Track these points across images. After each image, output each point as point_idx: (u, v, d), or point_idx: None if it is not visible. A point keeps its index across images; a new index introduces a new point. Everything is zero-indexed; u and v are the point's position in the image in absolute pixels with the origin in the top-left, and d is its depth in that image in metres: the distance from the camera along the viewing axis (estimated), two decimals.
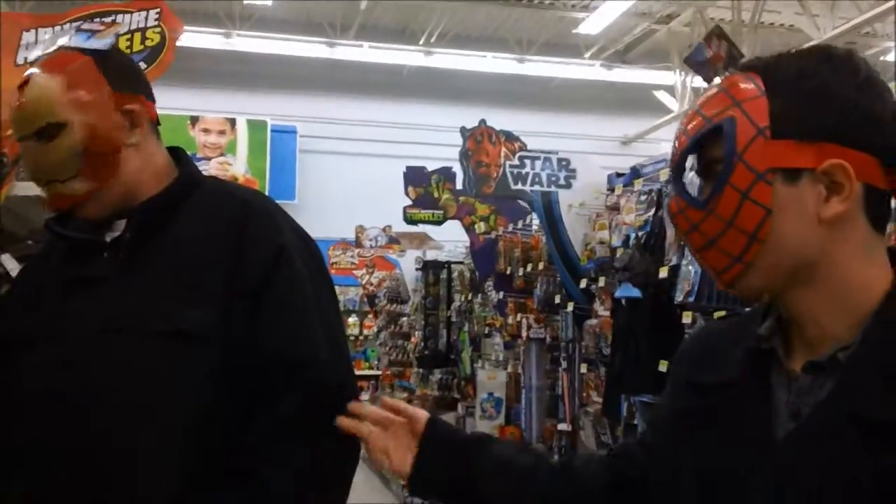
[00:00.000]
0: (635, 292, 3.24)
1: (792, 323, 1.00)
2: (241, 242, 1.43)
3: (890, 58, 12.20)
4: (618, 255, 3.60)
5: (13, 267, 3.03)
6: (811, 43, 7.79)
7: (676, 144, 1.02)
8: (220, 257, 1.42)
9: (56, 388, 1.39)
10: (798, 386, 0.97)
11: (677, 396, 1.13)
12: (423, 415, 1.23)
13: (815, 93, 0.94)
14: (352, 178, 12.74)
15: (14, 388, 1.43)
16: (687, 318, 3.02)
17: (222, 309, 1.39)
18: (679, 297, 3.02)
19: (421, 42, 12.24)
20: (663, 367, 3.10)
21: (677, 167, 1.01)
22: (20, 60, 2.79)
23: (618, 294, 3.35)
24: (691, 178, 1.04)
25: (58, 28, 2.76)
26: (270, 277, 1.42)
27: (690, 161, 1.02)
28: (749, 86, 0.97)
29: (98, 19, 2.74)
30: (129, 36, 2.72)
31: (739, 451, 0.98)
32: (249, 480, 1.36)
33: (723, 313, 2.81)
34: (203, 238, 1.45)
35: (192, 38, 10.30)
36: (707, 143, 0.98)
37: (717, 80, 1.08)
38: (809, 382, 0.96)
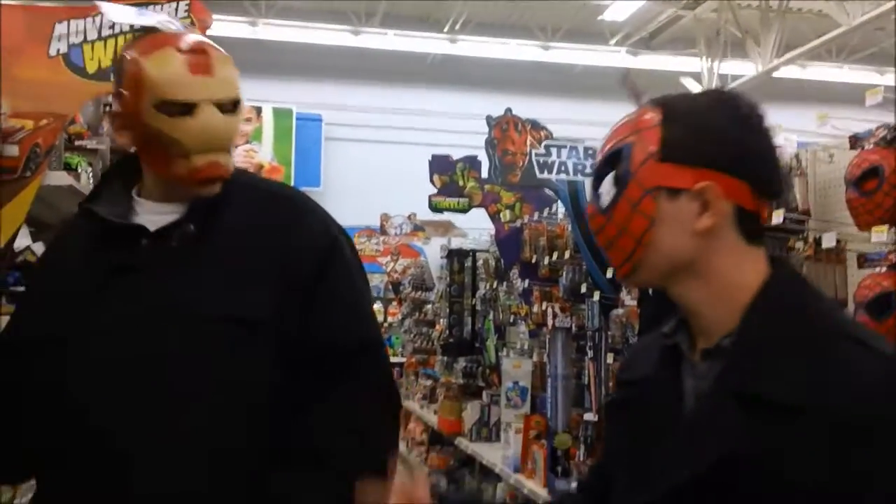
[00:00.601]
0: None
1: (689, 318, 1.20)
2: (292, 237, 1.51)
3: None
4: None
5: None
6: (840, 30, 7.67)
7: (597, 161, 1.25)
8: (271, 250, 1.49)
9: (122, 377, 1.43)
10: (697, 372, 1.17)
11: (615, 397, 1.36)
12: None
13: (698, 127, 1.15)
14: (377, 165, 12.76)
15: (75, 379, 1.46)
16: None
17: (276, 298, 1.45)
18: None
19: (445, 30, 12.21)
20: None
21: (594, 179, 1.23)
22: (53, 52, 2.81)
23: None
24: (605, 187, 1.22)
25: (90, 20, 2.78)
26: (325, 270, 1.51)
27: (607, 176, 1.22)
28: (650, 117, 1.18)
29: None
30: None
31: (653, 432, 1.16)
32: (328, 458, 1.44)
33: None
34: (251, 230, 1.51)
35: (219, 26, 10.30)
36: (612, 161, 1.19)
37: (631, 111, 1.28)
38: (706, 368, 1.16)
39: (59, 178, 2.96)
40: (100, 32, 2.77)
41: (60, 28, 2.78)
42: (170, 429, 1.42)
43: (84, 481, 1.43)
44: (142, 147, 1.54)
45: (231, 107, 1.48)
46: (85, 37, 2.77)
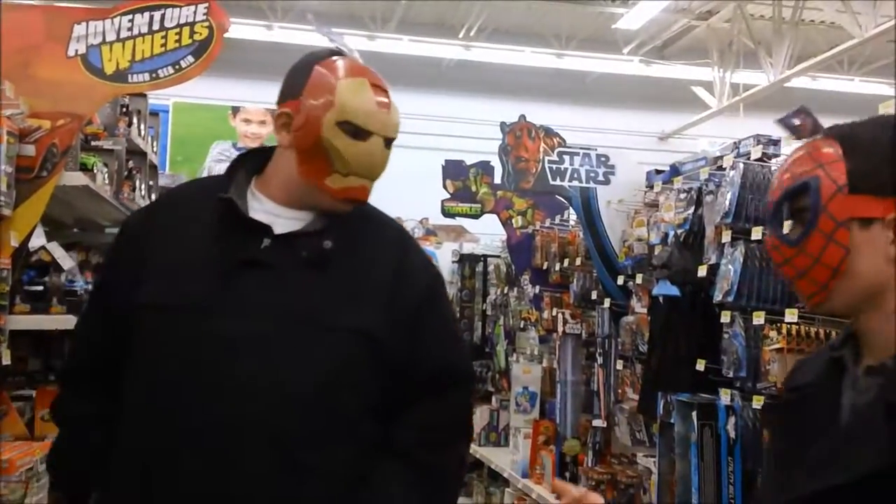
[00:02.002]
0: (674, 290, 3.23)
1: (861, 336, 1.25)
2: (404, 267, 1.68)
3: None
4: (656, 252, 3.60)
5: (60, 255, 3.11)
6: (852, 41, 7.67)
7: (772, 194, 1.31)
8: (386, 275, 1.65)
9: (244, 365, 1.52)
10: (858, 386, 1.22)
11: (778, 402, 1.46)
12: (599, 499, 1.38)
13: (882, 156, 1.18)
14: (390, 169, 12.39)
15: (186, 358, 1.53)
16: (725, 317, 3.01)
17: (389, 318, 1.61)
18: (718, 296, 3.01)
19: (460, 36, 12.24)
20: (700, 365, 3.10)
21: (774, 211, 1.29)
22: (71, 52, 2.85)
23: (656, 291, 3.35)
24: (790, 219, 1.28)
25: (108, 21, 2.81)
26: (430, 304, 1.70)
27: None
28: (830, 150, 1.22)
29: (148, 13, 2.79)
30: (177, 30, 2.76)
31: (808, 433, 1.22)
32: (430, 469, 1.64)
33: (762, 314, 2.81)
34: (369, 255, 1.67)
35: (235, 29, 10.35)
36: (797, 194, 1.24)
37: (801, 143, 1.34)
38: (868, 384, 1.19)
39: (75, 178, 2.98)
40: (118, 34, 2.80)
41: (79, 29, 2.81)
42: (283, 424, 1.51)
43: (193, 462, 1.50)
44: (306, 152, 1.62)
45: (390, 143, 1.68)
46: (104, 38, 2.80)
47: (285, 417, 1.51)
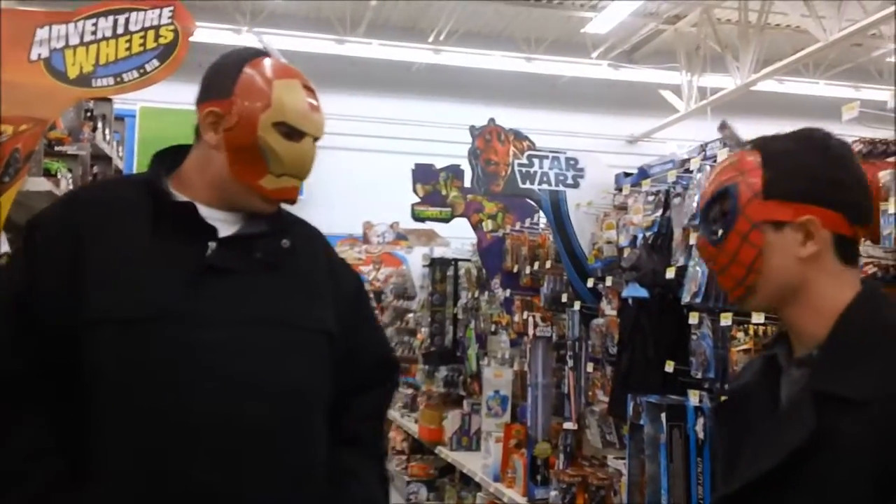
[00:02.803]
0: (642, 292, 3.24)
1: (790, 333, 1.37)
2: (333, 264, 1.76)
3: (893, 59, 12.19)
4: (625, 254, 3.61)
5: None
6: (817, 45, 7.78)
7: (701, 198, 1.44)
8: (323, 272, 1.71)
9: (224, 370, 1.51)
10: (792, 379, 1.35)
11: (722, 404, 1.57)
12: None
13: (795, 167, 1.32)
14: (360, 173, 12.75)
15: (167, 367, 1.49)
16: (694, 318, 3.03)
17: (334, 314, 1.67)
18: (686, 298, 3.03)
19: (430, 39, 12.25)
20: (669, 367, 3.11)
21: (703, 214, 1.41)
22: (34, 56, 2.80)
23: (625, 293, 3.36)
24: (714, 221, 1.40)
25: (72, 25, 2.77)
26: (361, 295, 1.82)
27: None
28: (751, 159, 1.36)
29: (112, 16, 2.75)
30: (142, 34, 2.73)
31: (749, 432, 1.34)
32: (367, 450, 1.74)
33: (729, 315, 2.83)
34: (308, 253, 1.71)
35: (203, 33, 10.29)
36: (720, 199, 1.37)
37: (729, 153, 1.46)
38: (799, 375, 1.33)
39: (38, 183, 2.95)
40: (82, 38, 2.76)
41: (42, 33, 2.76)
42: (273, 426, 1.54)
43: (193, 467, 1.48)
44: (238, 152, 1.60)
45: (315, 142, 1.69)
46: (67, 42, 2.76)
47: (275, 419, 1.54)
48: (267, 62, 1.66)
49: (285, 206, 1.73)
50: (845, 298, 1.31)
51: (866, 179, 1.36)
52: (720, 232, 1.36)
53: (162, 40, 2.73)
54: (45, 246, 1.55)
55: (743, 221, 1.32)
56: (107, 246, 1.54)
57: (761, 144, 1.37)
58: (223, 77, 1.64)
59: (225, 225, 1.61)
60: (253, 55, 1.66)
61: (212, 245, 1.56)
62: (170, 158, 1.69)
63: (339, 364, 1.67)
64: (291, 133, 1.61)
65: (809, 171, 1.31)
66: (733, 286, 1.37)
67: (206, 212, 1.60)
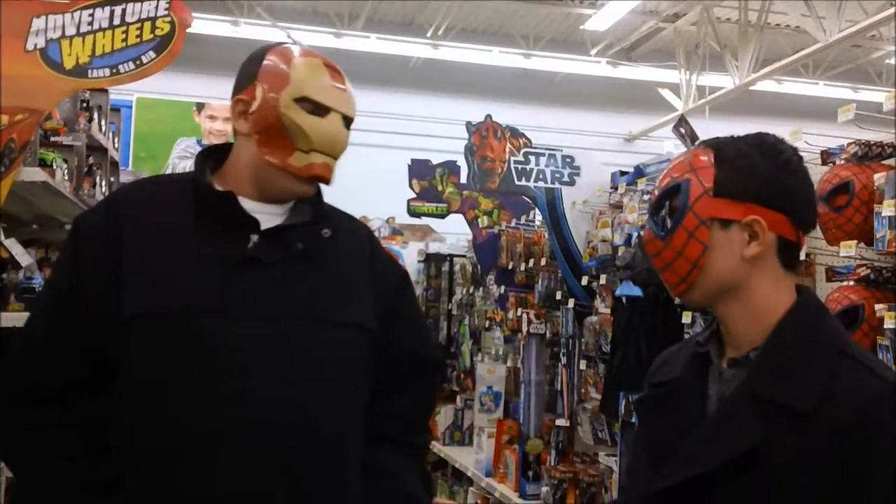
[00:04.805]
0: (636, 290, 3.25)
1: (724, 331, 1.38)
2: (376, 259, 1.75)
3: (894, 61, 12.19)
4: (620, 253, 3.62)
5: (18, 252, 3.06)
6: (817, 46, 7.80)
7: (653, 194, 1.42)
8: (365, 266, 1.71)
9: (260, 365, 1.51)
10: (724, 378, 1.35)
11: (644, 396, 1.51)
12: None
13: (745, 168, 1.32)
14: (356, 168, 12.65)
15: (201, 361, 1.49)
16: (686, 317, 3.04)
17: (374, 309, 1.67)
18: None
19: (428, 35, 12.23)
20: None
21: (652, 209, 1.41)
22: (30, 46, 2.79)
23: (619, 292, 3.37)
24: (663, 216, 1.40)
25: (68, 15, 2.76)
26: (401, 292, 1.78)
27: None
28: (704, 158, 1.36)
29: (108, 7, 2.75)
30: (139, 25, 2.72)
31: (678, 424, 1.34)
32: (400, 449, 1.73)
33: None
34: (350, 245, 1.71)
35: (200, 25, 10.30)
36: (672, 195, 1.37)
37: (685, 151, 1.46)
38: (731, 375, 1.34)
39: (33, 174, 2.94)
40: (78, 28, 2.75)
41: (38, 23, 2.76)
42: (312, 422, 1.54)
43: (222, 465, 1.48)
44: (265, 133, 1.61)
45: (349, 123, 1.68)
46: (63, 32, 2.75)
47: (307, 416, 1.54)
48: (290, 46, 1.68)
49: (342, 202, 1.78)
50: (784, 303, 1.32)
51: (813, 188, 1.38)
52: (668, 226, 1.36)
53: (158, 32, 2.73)
54: (88, 244, 1.57)
55: (691, 217, 1.33)
56: (148, 242, 1.56)
57: (715, 144, 1.38)
58: (249, 67, 1.66)
59: (268, 217, 1.61)
60: (277, 45, 1.69)
61: (254, 238, 1.57)
62: (214, 157, 1.70)
63: (376, 360, 1.67)
64: (315, 109, 1.61)
65: (760, 174, 1.32)
66: (677, 282, 1.37)
67: (249, 205, 1.61)
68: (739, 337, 1.34)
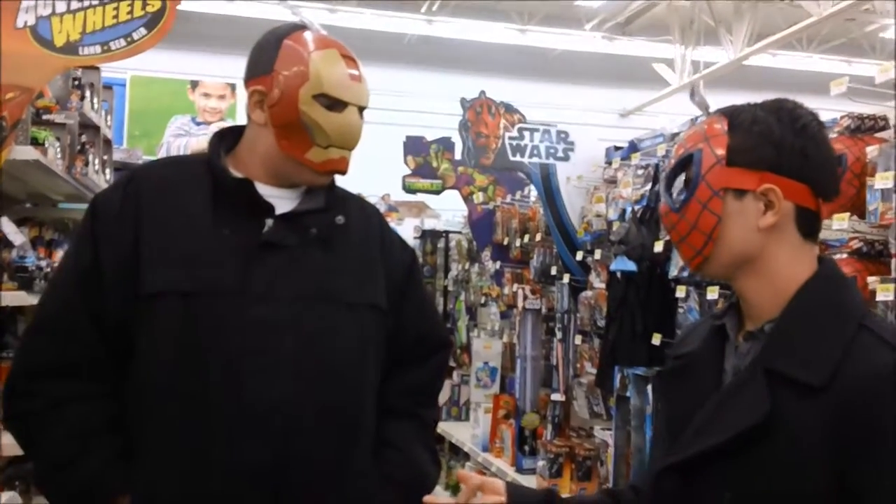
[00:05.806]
0: (631, 265, 3.26)
1: (742, 304, 1.34)
2: (386, 241, 1.78)
3: (888, 34, 12.15)
4: (614, 228, 3.62)
5: (11, 231, 3.05)
6: (811, 20, 7.72)
7: (668, 165, 1.37)
8: (376, 249, 1.74)
9: (279, 346, 1.55)
10: (739, 352, 1.32)
11: (665, 369, 1.48)
12: (500, 485, 1.39)
13: (761, 135, 1.27)
14: None
15: (223, 343, 1.53)
16: (681, 291, 3.05)
17: (385, 290, 1.71)
18: (674, 272, 3.05)
19: (423, 10, 12.16)
20: (657, 339, 3.13)
21: (667, 181, 1.36)
22: (20, 24, 2.77)
23: (613, 267, 3.38)
24: (678, 189, 1.36)
25: None
26: (410, 273, 1.81)
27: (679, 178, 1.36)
28: (718, 126, 1.31)
29: None
30: (129, 2, 2.70)
31: (693, 398, 1.32)
32: (418, 419, 1.78)
33: (716, 289, 2.84)
34: (361, 229, 1.74)
35: (195, 2, 10.22)
36: (686, 165, 1.32)
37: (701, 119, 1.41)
38: (747, 349, 1.31)
39: (25, 152, 2.93)
40: (69, 5, 2.73)
41: (28, 0, 2.74)
42: (321, 393, 1.58)
43: (252, 447, 1.53)
44: (284, 128, 1.62)
45: (363, 113, 1.70)
46: (53, 9, 2.73)
47: (324, 396, 1.58)
48: (306, 35, 1.67)
49: (339, 181, 1.77)
50: (802, 274, 1.28)
51: (834, 153, 1.33)
52: (682, 199, 1.31)
53: (149, 8, 2.71)
54: (106, 222, 1.59)
55: (704, 188, 1.28)
56: (166, 222, 1.59)
57: (730, 112, 1.32)
58: (264, 54, 1.66)
59: (282, 202, 1.65)
60: (291, 29, 1.68)
61: (269, 222, 1.61)
62: (228, 139, 1.72)
63: (387, 339, 1.72)
64: (333, 104, 1.62)
65: (775, 140, 1.26)
66: (693, 255, 1.33)
67: (263, 189, 1.64)
68: (757, 309, 1.30)
